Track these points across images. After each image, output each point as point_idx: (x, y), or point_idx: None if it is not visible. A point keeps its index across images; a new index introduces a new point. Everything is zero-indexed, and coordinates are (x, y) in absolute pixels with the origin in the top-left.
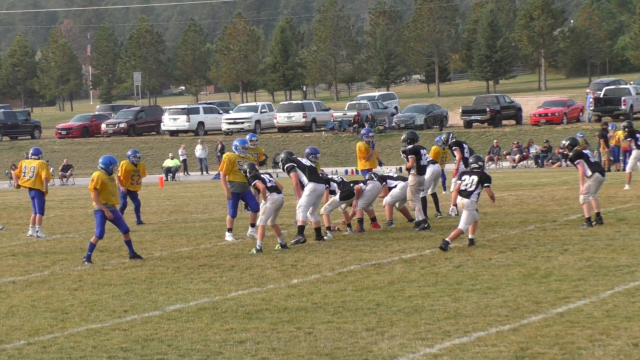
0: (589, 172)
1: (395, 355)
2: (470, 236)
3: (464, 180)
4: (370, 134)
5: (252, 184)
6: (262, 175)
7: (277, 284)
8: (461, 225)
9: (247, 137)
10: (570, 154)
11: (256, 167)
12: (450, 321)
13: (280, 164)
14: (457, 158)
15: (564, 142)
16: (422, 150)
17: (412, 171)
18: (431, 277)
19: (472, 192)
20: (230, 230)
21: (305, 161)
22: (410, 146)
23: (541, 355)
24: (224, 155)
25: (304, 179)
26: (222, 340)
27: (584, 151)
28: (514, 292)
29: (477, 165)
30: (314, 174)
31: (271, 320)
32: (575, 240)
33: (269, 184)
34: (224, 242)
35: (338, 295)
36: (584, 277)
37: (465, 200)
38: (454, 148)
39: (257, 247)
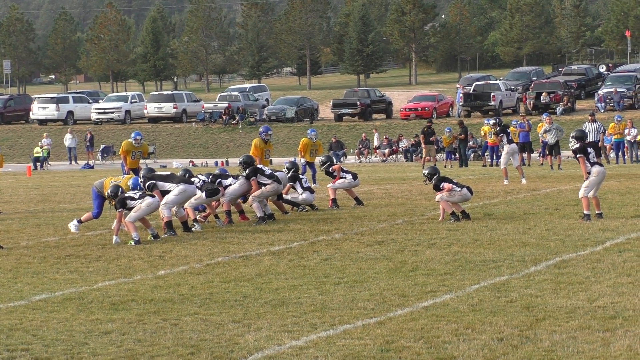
0: (458, 189)
1: (261, 347)
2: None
3: None
4: (269, 132)
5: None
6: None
7: (144, 275)
8: None
9: (132, 135)
10: (432, 182)
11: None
12: (317, 314)
13: (141, 180)
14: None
15: (425, 171)
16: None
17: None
18: (299, 270)
19: None
20: (80, 221)
21: (164, 172)
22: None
23: (406, 348)
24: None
25: (169, 186)
26: (88, 331)
27: (445, 178)
28: (381, 286)
29: None
30: (181, 177)
31: (137, 311)
32: (443, 234)
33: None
34: (91, 232)
35: (205, 287)
36: (450, 272)
37: None
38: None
39: (135, 239)
